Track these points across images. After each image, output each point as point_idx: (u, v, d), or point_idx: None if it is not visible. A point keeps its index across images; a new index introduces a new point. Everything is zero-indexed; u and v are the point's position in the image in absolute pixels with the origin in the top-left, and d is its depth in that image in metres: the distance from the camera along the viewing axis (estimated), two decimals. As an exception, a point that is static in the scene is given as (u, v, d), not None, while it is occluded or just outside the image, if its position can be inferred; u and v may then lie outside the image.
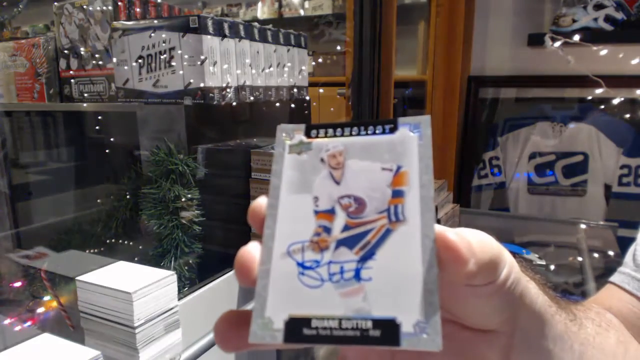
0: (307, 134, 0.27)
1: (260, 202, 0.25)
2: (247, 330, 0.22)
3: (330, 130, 0.26)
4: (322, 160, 0.26)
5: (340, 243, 0.23)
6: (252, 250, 0.24)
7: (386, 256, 0.22)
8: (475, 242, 0.23)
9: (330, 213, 0.24)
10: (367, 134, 0.26)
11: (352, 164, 0.25)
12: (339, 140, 0.26)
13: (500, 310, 0.27)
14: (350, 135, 0.26)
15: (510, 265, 0.26)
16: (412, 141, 0.25)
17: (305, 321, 0.22)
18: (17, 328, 0.83)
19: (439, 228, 0.23)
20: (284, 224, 0.24)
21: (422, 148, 0.25)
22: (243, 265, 0.23)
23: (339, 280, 0.22)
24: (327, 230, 0.24)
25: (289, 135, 0.27)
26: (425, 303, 0.21)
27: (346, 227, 0.24)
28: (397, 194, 0.24)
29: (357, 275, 0.22)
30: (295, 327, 0.22)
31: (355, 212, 0.24)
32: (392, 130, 0.26)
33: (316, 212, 0.24)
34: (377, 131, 0.26)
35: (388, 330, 0.21)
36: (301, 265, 0.23)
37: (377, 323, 0.21)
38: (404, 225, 0.23)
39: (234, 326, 0.23)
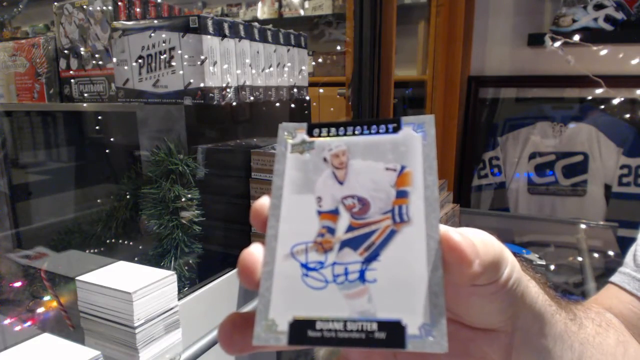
0: (310, 133, 0.26)
1: (263, 202, 0.25)
2: (251, 332, 0.22)
3: (333, 130, 0.26)
4: (325, 159, 0.25)
5: (345, 244, 0.23)
6: (255, 252, 0.23)
7: (391, 257, 0.22)
8: (478, 242, 0.23)
9: (334, 213, 0.24)
10: (370, 134, 0.25)
11: (355, 164, 0.25)
12: (342, 139, 0.26)
13: (502, 309, 0.27)
14: (353, 134, 0.26)
15: (512, 265, 0.26)
16: (415, 141, 0.25)
17: (310, 323, 0.21)
18: (17, 328, 0.83)
19: (442, 228, 0.23)
20: (287, 224, 0.24)
21: (426, 148, 0.24)
22: (246, 267, 0.23)
23: (344, 281, 0.22)
24: (331, 231, 0.24)
25: (291, 134, 0.27)
26: (431, 305, 0.21)
27: (350, 228, 0.24)
28: (401, 195, 0.24)
29: (362, 277, 0.22)
30: (300, 329, 0.21)
31: (359, 213, 0.24)
32: (396, 130, 0.25)
33: (319, 213, 0.24)
34: (380, 130, 0.25)
35: (393, 333, 0.21)
36: (305, 266, 0.23)
37: (383, 325, 0.21)
38: (408, 226, 0.23)
39: (238, 328, 0.23)
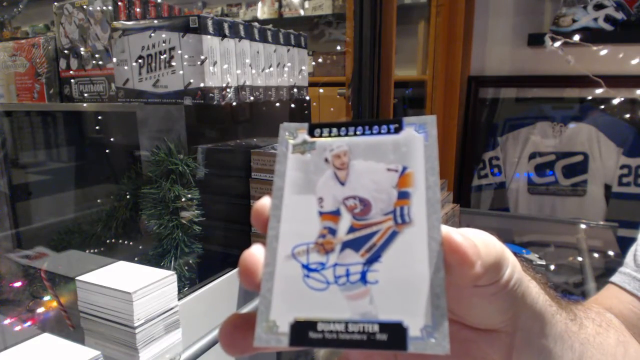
0: (311, 133, 0.26)
1: (264, 203, 0.25)
2: (252, 333, 0.22)
3: (334, 130, 0.26)
4: (326, 160, 0.25)
5: (346, 245, 0.23)
6: (256, 253, 0.23)
7: (392, 259, 0.22)
8: (480, 243, 0.23)
9: (335, 214, 0.24)
10: (371, 134, 0.25)
11: (356, 165, 0.25)
12: (343, 140, 0.26)
13: (503, 310, 0.27)
14: (355, 134, 0.26)
15: (512, 265, 0.26)
16: (417, 142, 0.25)
17: (311, 324, 0.21)
18: (17, 328, 0.83)
19: (444, 229, 0.23)
20: (288, 225, 0.24)
21: (428, 149, 0.24)
22: (247, 268, 0.23)
23: (345, 282, 0.22)
24: (333, 231, 0.24)
25: (292, 134, 0.26)
26: (433, 307, 0.21)
27: (352, 229, 0.23)
28: (403, 196, 0.24)
29: (364, 278, 0.22)
30: (301, 331, 0.21)
31: (360, 214, 0.24)
32: (397, 130, 0.25)
33: (321, 214, 0.24)
34: (381, 131, 0.25)
35: (395, 334, 0.21)
36: (306, 267, 0.23)
37: (384, 327, 0.21)
38: (410, 227, 0.23)
39: (239, 329, 0.23)
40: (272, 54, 1.22)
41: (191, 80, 1.00)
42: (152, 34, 1.01)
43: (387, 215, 0.23)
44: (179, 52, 0.99)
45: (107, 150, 1.33)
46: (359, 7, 1.42)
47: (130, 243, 1.08)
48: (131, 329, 0.70)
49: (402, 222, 0.23)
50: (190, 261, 0.97)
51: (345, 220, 0.24)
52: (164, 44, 1.01)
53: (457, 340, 0.28)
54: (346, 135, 0.26)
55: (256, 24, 1.16)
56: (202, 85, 0.99)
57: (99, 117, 1.34)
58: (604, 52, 1.74)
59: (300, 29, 1.45)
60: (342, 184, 0.25)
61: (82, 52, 1.24)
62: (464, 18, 1.89)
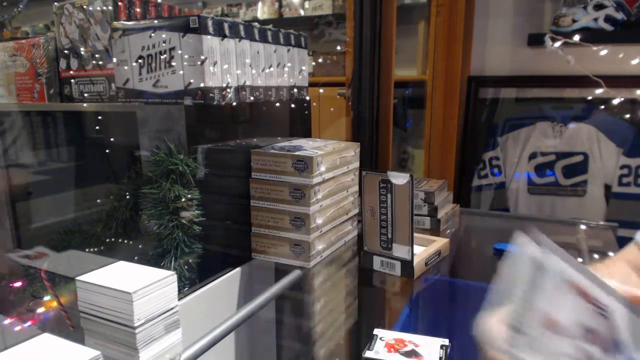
0: None
1: None
2: None
3: None
4: None
5: None
6: None
7: None
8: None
9: None
10: None
11: None
12: None
13: None
14: None
15: None
16: None
17: None
18: (17, 328, 0.83)
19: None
20: None
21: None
22: None
23: None
24: None
25: None
26: None
27: None
28: None
29: None
30: None
31: None
32: None
33: None
34: None
35: None
36: None
37: None
38: None
39: None
40: (272, 54, 1.22)
41: (191, 80, 1.00)
42: (152, 34, 1.01)
43: None
44: (179, 52, 0.99)
45: (107, 150, 1.33)
46: (359, 7, 1.43)
47: (130, 243, 1.08)
48: (131, 329, 0.70)
49: None
50: (190, 261, 0.97)
51: None
52: (164, 44, 1.01)
53: None
54: None
55: (256, 24, 1.16)
56: (202, 85, 0.99)
57: (99, 117, 1.34)
58: (604, 52, 1.74)
59: (300, 29, 1.45)
60: None
61: (82, 52, 1.24)
62: (464, 18, 1.89)
